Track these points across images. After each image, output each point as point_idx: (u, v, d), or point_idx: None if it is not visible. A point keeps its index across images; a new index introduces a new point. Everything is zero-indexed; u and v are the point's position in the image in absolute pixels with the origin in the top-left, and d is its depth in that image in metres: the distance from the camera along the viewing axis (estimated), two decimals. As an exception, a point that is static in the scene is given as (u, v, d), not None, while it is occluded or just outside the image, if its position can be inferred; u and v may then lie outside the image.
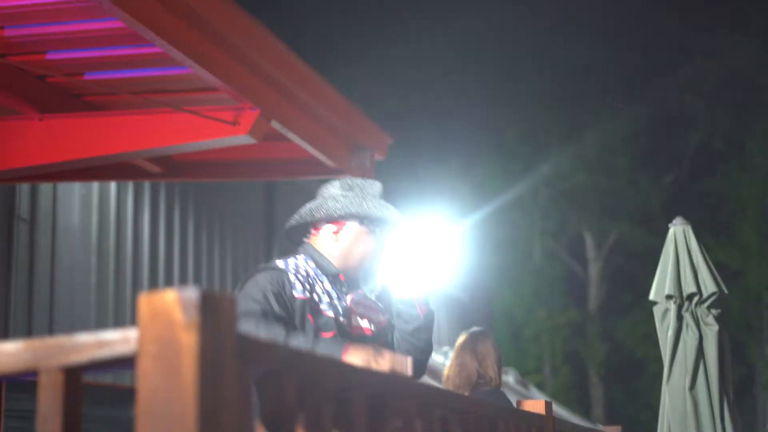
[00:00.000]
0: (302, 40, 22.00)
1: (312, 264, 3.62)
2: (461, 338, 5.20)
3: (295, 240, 3.76)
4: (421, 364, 3.77)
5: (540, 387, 24.60)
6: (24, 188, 8.20)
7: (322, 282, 3.58)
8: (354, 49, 25.51)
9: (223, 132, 4.78)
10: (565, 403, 20.02)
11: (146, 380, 1.27)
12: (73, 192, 8.80)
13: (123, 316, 9.20)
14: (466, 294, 19.21)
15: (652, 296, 5.46)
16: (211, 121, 4.79)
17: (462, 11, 25.65)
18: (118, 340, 1.34)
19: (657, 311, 5.45)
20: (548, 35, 25.64)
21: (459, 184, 25.03)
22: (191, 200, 10.58)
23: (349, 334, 3.50)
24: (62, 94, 5.36)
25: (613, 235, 25.56)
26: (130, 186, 9.42)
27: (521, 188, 24.49)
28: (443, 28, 25.85)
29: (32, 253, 8.32)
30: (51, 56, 4.93)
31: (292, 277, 3.48)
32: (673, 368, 5.26)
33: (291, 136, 5.10)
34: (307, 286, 3.50)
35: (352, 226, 3.67)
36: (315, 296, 3.49)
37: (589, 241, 26.14)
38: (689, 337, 5.25)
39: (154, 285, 9.78)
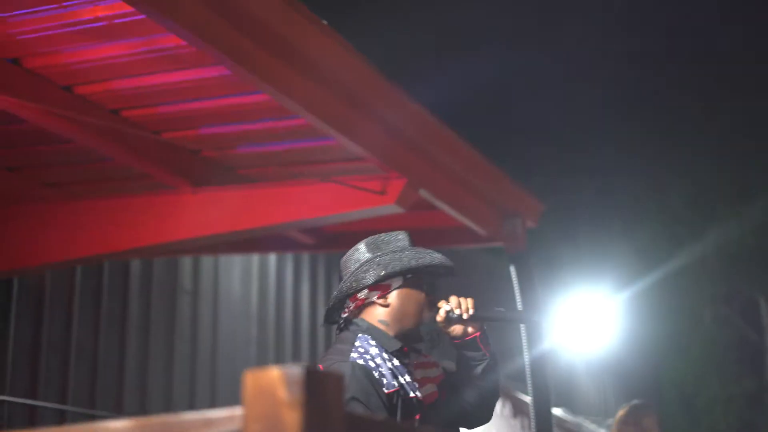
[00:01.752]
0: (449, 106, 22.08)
1: (373, 343, 3.27)
2: (622, 411, 5.02)
3: (334, 322, 3.38)
4: (490, 409, 3.48)
5: (715, 459, 23.71)
6: (186, 260, 8.40)
7: (391, 361, 3.26)
8: (505, 104, 25.39)
9: (371, 202, 4.77)
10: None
11: (251, 460, 1.22)
12: (233, 263, 8.97)
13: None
14: (632, 363, 18.70)
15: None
16: (359, 191, 4.79)
17: (616, 64, 25.27)
18: (223, 418, 1.29)
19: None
20: (712, 88, 25.01)
21: (622, 249, 24.52)
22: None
23: (425, 408, 3.25)
24: (215, 168, 5.46)
25: (788, 300, 24.59)
26: (289, 256, 9.54)
27: (689, 253, 23.83)
28: (596, 81, 25.50)
29: (195, 324, 8.50)
30: (204, 131, 5.04)
31: (376, 373, 3.18)
32: None
33: (439, 204, 5.05)
34: (389, 374, 3.20)
35: (396, 284, 3.31)
36: (400, 385, 3.20)
37: (763, 307, 25.20)
38: None
39: (314, 355, 9.85)
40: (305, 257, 9.70)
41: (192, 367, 8.31)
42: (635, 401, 5.07)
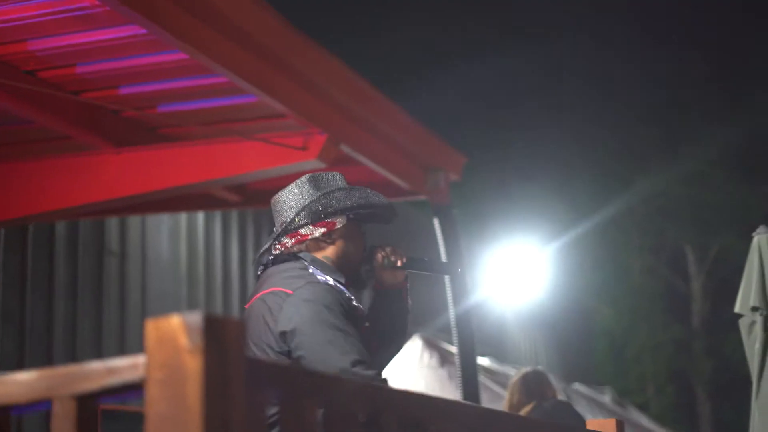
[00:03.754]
0: (378, 58, 22.06)
1: (321, 274, 3.29)
2: (520, 373, 5.37)
3: (265, 262, 3.38)
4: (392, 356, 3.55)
5: (644, 407, 24.12)
6: (113, 222, 8.35)
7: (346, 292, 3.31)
8: (438, 65, 25.48)
9: (293, 158, 4.79)
10: (672, 423, 19.61)
11: (154, 407, 1.26)
12: (161, 224, 8.93)
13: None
14: (562, 314, 18.99)
15: (737, 308, 5.30)
16: (281, 147, 4.81)
17: (552, 24, 25.45)
18: (126, 366, 1.32)
19: (743, 324, 5.29)
20: (643, 46, 25.29)
21: (553, 202, 24.76)
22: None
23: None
24: (137, 128, 5.45)
25: (715, 248, 25.03)
26: (217, 215, 9.52)
27: (618, 205, 24.12)
28: (531, 42, 25.69)
29: (123, 286, 8.46)
30: (124, 91, 5.01)
31: (346, 293, 3.27)
32: (762, 383, 5.09)
33: (361, 159, 5.09)
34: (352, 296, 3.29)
35: (341, 223, 3.34)
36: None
37: (690, 256, 25.63)
38: (778, 351, 5.07)
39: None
40: (234, 215, 9.68)
41: (121, 330, 8.29)
42: (529, 367, 5.46)
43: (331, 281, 3.23)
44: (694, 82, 24.70)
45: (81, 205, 5.25)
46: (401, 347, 3.56)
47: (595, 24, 25.39)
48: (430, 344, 7.63)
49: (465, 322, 5.83)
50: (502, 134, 25.57)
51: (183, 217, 9.06)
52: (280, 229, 3.32)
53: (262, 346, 3.06)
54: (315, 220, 3.31)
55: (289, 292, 3.16)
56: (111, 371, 1.34)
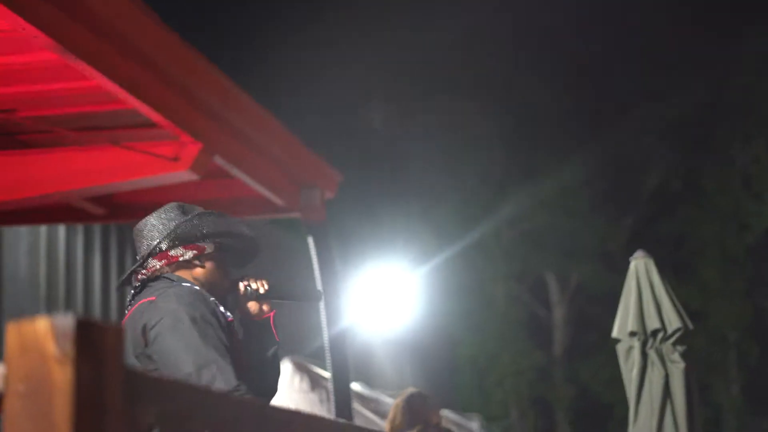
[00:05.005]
0: (248, 71, 21.84)
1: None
2: (404, 395, 5.26)
3: (130, 284, 3.37)
4: (274, 388, 3.52)
5: (507, 433, 24.35)
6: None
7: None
8: (301, 84, 25.33)
9: (164, 168, 4.56)
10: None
11: (14, 425, 1.05)
12: (19, 238, 8.52)
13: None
14: (429, 340, 18.98)
15: (614, 333, 5.27)
16: (152, 157, 4.58)
17: (415, 47, 25.59)
18: (-19, 378, 1.11)
19: (620, 349, 5.25)
20: (503, 76, 25.68)
21: (419, 227, 24.85)
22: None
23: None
24: (-4, 133, 5.12)
25: (575, 277, 25.46)
26: (79, 230, 9.14)
27: (482, 231, 24.35)
28: (393, 65, 25.78)
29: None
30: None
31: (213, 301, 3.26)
32: (639, 409, 5.05)
33: (236, 172, 4.88)
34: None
35: (210, 249, 3.35)
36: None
37: (552, 284, 26.02)
38: (655, 376, 5.04)
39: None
40: (97, 229, 9.31)
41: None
42: (412, 388, 5.37)
43: (196, 287, 3.26)
44: (555, 109, 25.17)
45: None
46: (274, 380, 3.50)
47: (464, 57, 25.66)
48: (301, 368, 7.44)
49: (339, 345, 5.66)
50: (367, 155, 25.57)
51: (43, 230, 8.66)
52: (146, 252, 3.31)
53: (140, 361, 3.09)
54: (184, 243, 3.32)
55: (153, 298, 3.19)
56: (-39, 384, 1.13)
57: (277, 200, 5.35)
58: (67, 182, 4.76)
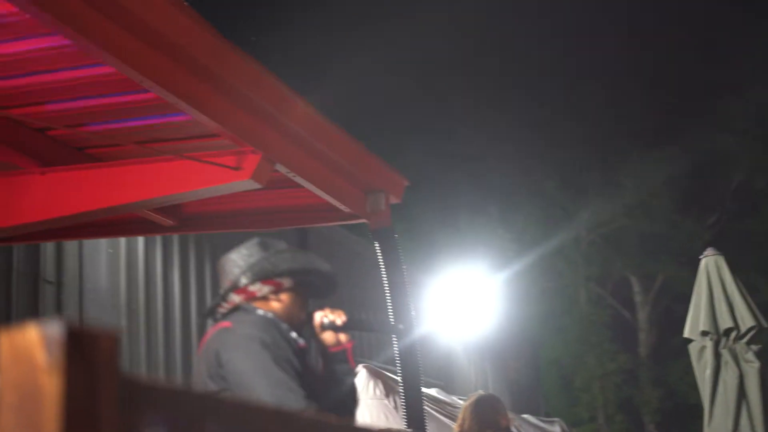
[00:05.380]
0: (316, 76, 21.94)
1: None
2: (471, 399, 5.19)
3: (213, 316, 3.60)
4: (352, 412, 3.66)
5: (594, 437, 24.03)
6: (49, 250, 8.08)
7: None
8: (380, 99, 25.39)
9: (226, 178, 4.58)
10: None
11: (8, 437, 1.05)
12: (99, 251, 8.66)
13: (155, 376, 9.02)
14: (510, 345, 18.85)
15: (686, 333, 5.17)
16: (214, 167, 4.60)
17: (492, 49, 25.47)
18: (-24, 389, 1.11)
19: (693, 349, 5.15)
20: (579, 78, 25.44)
21: (499, 232, 24.73)
22: (222, 254, 10.39)
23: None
24: (64, 147, 5.21)
25: (659, 278, 25.09)
26: (158, 242, 9.27)
27: (562, 235, 24.13)
28: (469, 73, 25.71)
29: (59, 316, 8.17)
30: (49, 107, 4.78)
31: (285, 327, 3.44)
32: (714, 409, 4.93)
33: (298, 180, 4.89)
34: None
35: (288, 284, 3.56)
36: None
37: (635, 286, 25.66)
38: (729, 376, 4.92)
39: (186, 346, 9.59)
40: (175, 240, 9.44)
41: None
42: (481, 391, 5.35)
43: (270, 315, 3.44)
44: (635, 112, 24.86)
45: (3, 228, 4.99)
46: (351, 410, 3.62)
47: (539, 61, 25.49)
48: (375, 374, 7.43)
49: (410, 352, 5.62)
50: (446, 164, 25.52)
51: (122, 242, 8.80)
52: (227, 287, 3.56)
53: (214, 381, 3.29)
54: (263, 278, 3.54)
55: (229, 324, 3.41)
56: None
57: (342, 206, 5.35)
58: (134, 194, 4.81)
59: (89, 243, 8.44)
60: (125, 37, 3.92)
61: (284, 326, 3.38)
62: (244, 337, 3.30)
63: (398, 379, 5.91)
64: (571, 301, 25.47)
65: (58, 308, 8.13)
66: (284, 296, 3.53)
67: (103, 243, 8.64)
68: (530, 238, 24.13)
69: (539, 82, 25.75)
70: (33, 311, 7.84)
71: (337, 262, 10.88)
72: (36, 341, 1.04)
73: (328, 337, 3.54)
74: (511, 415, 8.69)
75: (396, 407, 7.20)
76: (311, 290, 3.64)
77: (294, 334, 3.39)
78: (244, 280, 3.52)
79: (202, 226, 6.19)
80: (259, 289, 3.52)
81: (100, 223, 5.99)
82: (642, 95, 24.99)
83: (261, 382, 3.15)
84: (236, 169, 4.53)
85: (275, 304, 3.51)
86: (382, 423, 6.21)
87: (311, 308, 3.61)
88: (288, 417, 1.28)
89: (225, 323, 3.44)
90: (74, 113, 4.87)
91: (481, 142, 25.69)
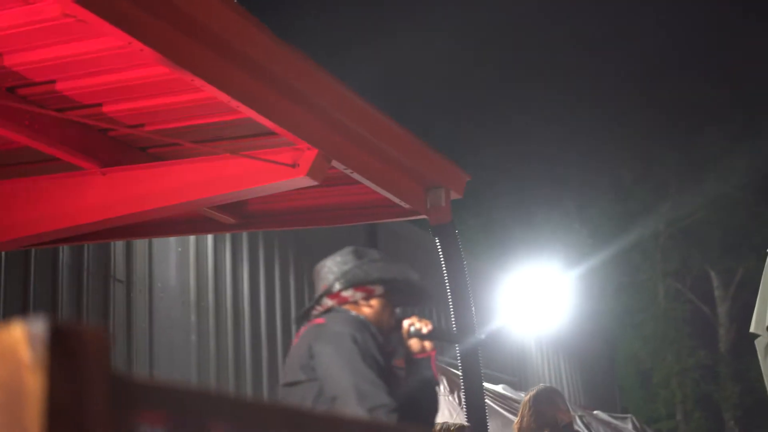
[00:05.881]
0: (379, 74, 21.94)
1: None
2: (532, 392, 5.10)
3: (308, 318, 3.80)
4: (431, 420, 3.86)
5: (672, 433, 23.70)
6: (119, 248, 8.18)
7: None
8: (459, 99, 25.35)
9: (283, 175, 4.60)
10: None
11: (-3, 436, 1.04)
12: (169, 250, 8.75)
13: (225, 373, 9.09)
14: (586, 340, 18.67)
15: (752, 329, 5.05)
16: (271, 164, 4.62)
17: (568, 50, 25.26)
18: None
19: (759, 345, 5.04)
20: (658, 71, 25.10)
21: (575, 227, 24.51)
22: (291, 251, 10.45)
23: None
24: (125, 147, 5.27)
25: (739, 272, 24.66)
26: (227, 240, 9.34)
27: (640, 229, 23.82)
28: (548, 68, 25.53)
29: (129, 314, 8.27)
30: (107, 108, 4.83)
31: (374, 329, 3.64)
32: (781, 407, 4.82)
33: (356, 176, 4.88)
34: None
35: (379, 291, 3.71)
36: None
37: (715, 281, 25.26)
38: (796, 373, 4.80)
39: (256, 341, 9.66)
40: (243, 237, 9.51)
41: (127, 358, 8.09)
42: (541, 384, 5.26)
43: (362, 317, 3.65)
44: (715, 105, 24.45)
45: (66, 228, 5.07)
46: (431, 416, 3.79)
47: (615, 54, 25.18)
48: (439, 371, 7.40)
49: (471, 348, 5.56)
50: (522, 161, 25.37)
51: (191, 242, 8.89)
52: (322, 292, 3.76)
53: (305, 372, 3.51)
54: (356, 285, 3.72)
55: (322, 321, 3.64)
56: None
57: (402, 202, 5.33)
58: (192, 193, 4.86)
59: (158, 242, 8.54)
60: (179, 38, 3.95)
61: (374, 328, 3.57)
62: (336, 332, 3.50)
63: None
64: (649, 297, 25.14)
65: (128, 307, 8.23)
66: (374, 302, 3.71)
67: (172, 242, 8.73)
68: (607, 233, 23.88)
69: (616, 73, 25.46)
70: (103, 310, 7.94)
71: (404, 257, 10.89)
72: (21, 339, 1.04)
73: (414, 343, 3.71)
74: (580, 411, 8.61)
75: (460, 404, 7.17)
76: (401, 298, 3.80)
77: (381, 337, 3.58)
78: (337, 286, 3.73)
79: (263, 224, 6.22)
80: (352, 294, 3.71)
81: (164, 221, 6.06)
82: (724, 87, 24.60)
83: (347, 374, 3.35)
84: (293, 166, 4.55)
85: (366, 309, 3.70)
86: (445, 419, 6.18)
87: (400, 315, 3.79)
88: (291, 413, 1.26)
89: (319, 320, 3.65)
90: (134, 113, 4.91)
91: (558, 136, 25.51)
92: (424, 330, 3.71)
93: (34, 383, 1.02)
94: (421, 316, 3.82)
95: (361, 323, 3.57)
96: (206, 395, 1.20)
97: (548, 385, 5.41)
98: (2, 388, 1.04)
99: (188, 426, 1.15)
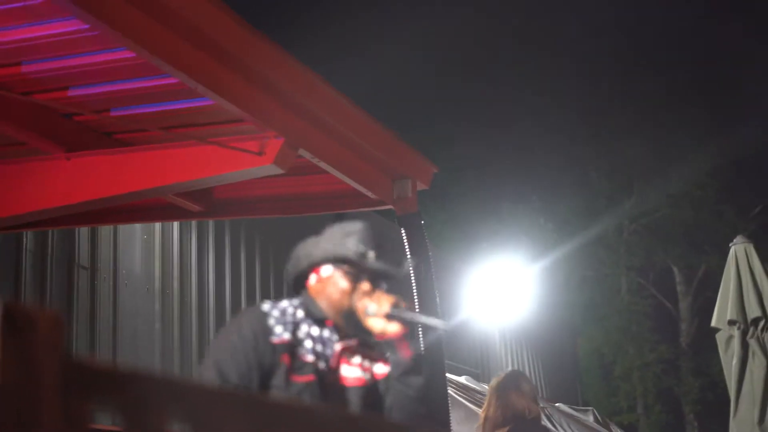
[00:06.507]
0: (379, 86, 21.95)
1: (302, 309, 3.55)
2: (498, 378, 5.03)
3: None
4: (416, 414, 3.45)
5: (634, 427, 23.87)
6: (83, 235, 8.12)
7: (309, 327, 3.49)
8: (431, 86, 25.35)
9: (250, 163, 4.58)
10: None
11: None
12: (134, 237, 8.70)
13: (189, 361, 9.06)
14: (549, 333, 18.76)
15: (713, 323, 5.09)
16: (237, 152, 4.59)
17: (539, 48, 25.34)
18: None
19: (720, 339, 5.08)
20: (627, 69, 25.23)
21: (541, 223, 24.62)
22: (257, 240, 10.42)
23: (330, 383, 3.40)
24: (91, 132, 5.22)
25: (702, 268, 24.87)
26: (192, 228, 9.29)
27: (605, 224, 23.96)
28: (520, 65, 25.61)
29: (93, 301, 8.21)
30: (74, 92, 4.79)
31: (272, 321, 3.43)
32: (740, 401, 4.86)
33: (323, 165, 4.87)
34: (290, 328, 3.44)
35: (327, 270, 3.57)
36: (295, 339, 3.42)
37: (678, 276, 25.45)
38: (756, 366, 4.84)
39: (221, 329, 9.62)
40: (210, 225, 9.47)
41: (91, 344, 8.05)
42: (508, 369, 5.18)
43: (290, 313, 3.48)
44: (681, 102, 24.62)
45: (29, 213, 5.02)
46: (406, 401, 3.47)
47: (583, 52, 25.31)
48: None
49: (435, 342, 5.56)
50: (492, 154, 25.44)
51: (157, 230, 8.83)
52: (297, 266, 3.68)
53: None
54: (311, 265, 3.59)
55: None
56: None
57: (368, 192, 5.33)
58: (157, 179, 4.82)
59: (124, 229, 8.48)
60: (146, 22, 3.92)
61: (268, 322, 3.44)
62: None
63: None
64: (612, 291, 25.30)
65: (92, 294, 8.18)
66: (324, 281, 3.59)
67: (137, 229, 8.67)
68: (572, 228, 24.00)
69: (584, 71, 25.58)
70: (67, 297, 7.89)
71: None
72: (-28, 321, 1.03)
73: (374, 324, 3.38)
74: (543, 403, 8.63)
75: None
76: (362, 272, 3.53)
77: (276, 330, 3.41)
78: (298, 271, 3.73)
79: (230, 212, 6.20)
80: (311, 275, 3.66)
81: (129, 207, 6.02)
82: (688, 86, 24.76)
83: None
84: (259, 154, 4.53)
85: (320, 292, 3.59)
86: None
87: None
88: (248, 401, 1.25)
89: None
90: (100, 98, 4.87)
91: (527, 133, 25.60)
92: (384, 309, 3.34)
93: (-16, 365, 1.01)
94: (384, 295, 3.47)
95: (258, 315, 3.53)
96: (157, 380, 1.19)
97: (515, 369, 5.35)
98: (-45, 370, 1.03)
99: (141, 410, 1.14)
